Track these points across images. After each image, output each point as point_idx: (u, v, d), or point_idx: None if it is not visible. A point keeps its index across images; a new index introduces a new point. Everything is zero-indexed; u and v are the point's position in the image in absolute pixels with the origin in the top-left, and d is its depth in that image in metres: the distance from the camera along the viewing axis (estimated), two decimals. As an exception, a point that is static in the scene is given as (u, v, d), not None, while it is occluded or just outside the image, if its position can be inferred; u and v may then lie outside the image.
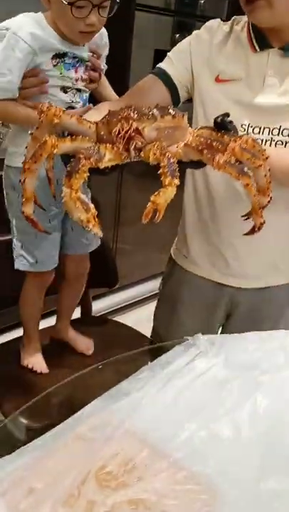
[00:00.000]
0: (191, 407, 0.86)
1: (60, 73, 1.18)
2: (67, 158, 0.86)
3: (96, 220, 0.79)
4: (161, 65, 1.20)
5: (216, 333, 1.38)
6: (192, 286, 1.33)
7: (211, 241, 1.26)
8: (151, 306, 1.53)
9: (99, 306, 2.28)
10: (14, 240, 1.35)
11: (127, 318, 2.40)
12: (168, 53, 1.21)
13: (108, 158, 0.83)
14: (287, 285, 1.27)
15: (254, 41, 1.12)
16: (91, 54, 1.25)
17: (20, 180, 0.89)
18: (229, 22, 1.18)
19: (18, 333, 1.52)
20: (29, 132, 0.90)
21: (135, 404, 0.85)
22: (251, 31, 1.13)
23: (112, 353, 1.43)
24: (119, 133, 0.84)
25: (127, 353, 1.06)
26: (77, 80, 1.22)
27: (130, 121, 0.84)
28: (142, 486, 0.71)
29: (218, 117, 0.88)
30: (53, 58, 1.18)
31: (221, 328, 1.40)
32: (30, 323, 1.45)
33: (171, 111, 0.87)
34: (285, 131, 1.12)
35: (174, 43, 1.35)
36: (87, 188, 1.40)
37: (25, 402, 1.20)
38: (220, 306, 1.32)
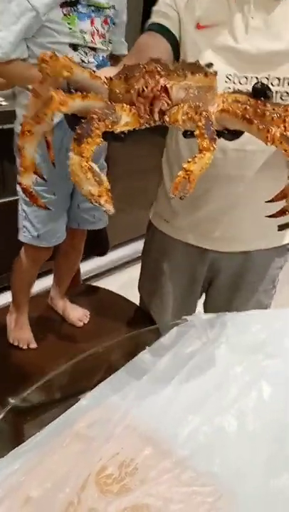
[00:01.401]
0: (194, 398, 0.81)
1: (70, 28, 1.05)
2: (72, 120, 0.73)
3: (109, 194, 0.66)
4: (154, 19, 1.10)
5: (198, 299, 1.36)
6: (174, 253, 1.29)
7: (195, 207, 1.20)
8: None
9: (86, 269, 2.21)
10: (19, 208, 1.27)
11: (117, 280, 2.35)
12: (154, 8, 1.11)
13: (125, 121, 0.69)
14: (267, 250, 1.23)
15: None
16: (111, 4, 1.12)
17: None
18: None
19: (6, 298, 1.46)
20: (30, 87, 0.79)
21: (135, 396, 0.80)
22: None
23: (102, 325, 1.42)
24: (142, 91, 0.70)
25: (123, 336, 1.01)
26: (93, 35, 1.09)
27: (157, 77, 0.70)
28: (145, 490, 0.67)
29: (257, 83, 0.76)
30: (62, 6, 1.05)
31: (204, 295, 1.37)
32: (20, 294, 1.39)
33: (200, 69, 0.75)
34: (274, 80, 1.02)
35: None
36: (104, 162, 1.29)
37: (14, 387, 1.17)
38: (202, 272, 1.29)
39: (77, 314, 1.45)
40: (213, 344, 0.93)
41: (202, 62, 0.80)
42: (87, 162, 0.64)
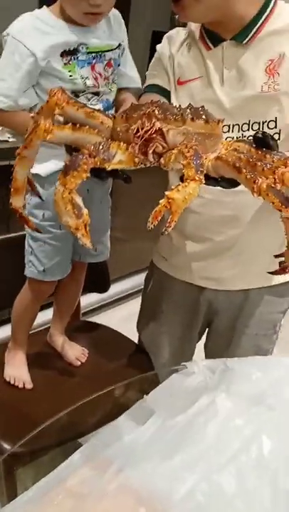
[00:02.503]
0: (192, 453, 0.78)
1: (70, 75, 1.07)
2: (72, 150, 0.75)
3: (87, 229, 0.67)
4: (148, 82, 1.16)
5: (197, 341, 1.35)
6: (172, 291, 1.29)
7: (192, 245, 1.20)
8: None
9: (86, 303, 2.19)
10: (26, 244, 1.27)
11: (118, 313, 2.33)
12: (146, 73, 1.18)
13: (119, 159, 0.70)
14: (267, 290, 1.21)
15: (206, 39, 1.08)
16: (116, 44, 1.12)
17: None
18: (187, 26, 1.14)
19: (6, 331, 1.44)
20: (31, 115, 0.79)
21: (130, 450, 0.77)
22: (203, 30, 1.08)
23: (100, 366, 1.39)
24: (137, 131, 0.71)
25: (121, 383, 0.98)
26: (96, 79, 1.10)
27: (153, 120, 0.71)
28: None
29: (257, 132, 0.77)
30: (62, 56, 1.06)
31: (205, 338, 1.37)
32: (20, 330, 1.37)
33: (204, 115, 0.75)
34: (254, 124, 1.05)
35: (172, 24, 1.30)
36: (108, 196, 1.29)
37: (5, 431, 1.14)
38: (200, 312, 1.28)
39: (76, 353, 1.42)
40: (213, 393, 0.90)
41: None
42: (69, 194, 0.65)
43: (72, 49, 1.07)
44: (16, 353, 1.36)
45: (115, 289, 2.42)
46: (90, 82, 1.10)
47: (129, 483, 0.72)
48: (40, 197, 0.90)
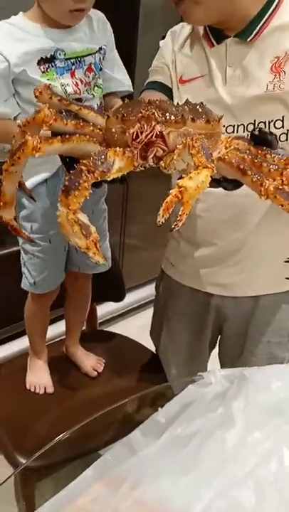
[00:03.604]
0: (209, 468, 0.75)
1: (50, 84, 1.05)
2: (69, 161, 0.72)
3: (98, 246, 0.65)
4: (149, 79, 1.14)
5: (209, 349, 1.32)
6: (180, 298, 1.27)
7: (199, 250, 1.18)
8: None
9: (103, 312, 2.17)
10: (21, 256, 1.27)
11: (135, 322, 2.31)
12: (149, 69, 1.16)
13: (118, 166, 0.66)
14: (277, 296, 1.17)
15: (210, 36, 1.04)
16: (96, 48, 1.10)
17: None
18: None
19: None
20: (17, 124, 0.77)
21: (145, 465, 0.74)
22: (207, 26, 1.05)
23: (117, 376, 1.38)
24: (137, 136, 0.67)
25: (134, 396, 0.95)
26: (76, 85, 1.08)
27: (153, 123, 0.67)
28: None
29: (254, 129, 0.74)
30: (40, 64, 1.04)
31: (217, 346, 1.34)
32: (34, 338, 1.39)
33: (204, 113, 0.72)
34: (260, 124, 1.01)
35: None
36: (104, 204, 1.28)
37: (23, 445, 1.13)
38: (209, 319, 1.25)
39: (92, 363, 1.41)
40: (231, 405, 0.87)
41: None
42: (74, 214, 0.62)
43: (49, 56, 1.05)
44: (36, 360, 1.37)
45: (132, 297, 2.39)
46: (70, 89, 1.07)
47: (144, 499, 0.70)
48: (32, 197, 0.90)
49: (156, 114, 0.67)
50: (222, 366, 1.30)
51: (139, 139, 0.67)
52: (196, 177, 0.60)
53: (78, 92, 1.09)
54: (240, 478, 0.74)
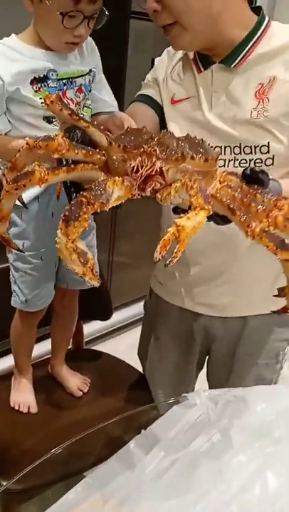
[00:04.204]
0: (192, 492, 0.74)
1: (42, 103, 1.06)
2: (71, 186, 0.78)
3: (94, 272, 0.69)
4: (141, 91, 1.17)
5: (196, 369, 1.33)
6: (168, 317, 1.27)
7: (187, 270, 1.18)
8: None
9: (90, 331, 2.16)
10: (10, 273, 1.26)
11: (123, 341, 2.30)
12: (142, 82, 1.18)
13: (117, 195, 0.70)
14: (266, 318, 1.17)
15: (198, 61, 1.07)
16: (86, 70, 1.13)
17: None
18: None
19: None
20: (25, 139, 0.79)
21: (126, 491, 0.73)
22: (195, 52, 1.07)
23: (102, 396, 1.37)
24: (137, 170, 0.71)
25: (118, 417, 0.94)
26: (68, 105, 1.09)
27: (153, 159, 0.70)
28: None
29: (246, 168, 0.76)
30: (32, 84, 1.06)
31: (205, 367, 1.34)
32: (20, 357, 1.38)
33: (203, 150, 0.74)
34: (246, 148, 1.03)
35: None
36: (92, 221, 1.28)
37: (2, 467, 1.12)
38: (197, 339, 1.26)
39: (77, 382, 1.40)
40: (215, 428, 0.86)
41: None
42: (73, 243, 0.65)
43: (42, 76, 1.06)
44: (21, 380, 1.36)
45: (121, 315, 2.38)
46: None
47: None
48: (24, 204, 0.91)
49: (157, 151, 0.70)
50: (210, 387, 1.30)
51: (139, 173, 0.70)
52: (194, 218, 0.64)
53: None
54: (224, 501, 0.73)
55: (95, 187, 0.68)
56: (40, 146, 0.75)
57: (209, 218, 0.69)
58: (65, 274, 1.28)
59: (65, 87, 1.09)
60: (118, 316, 2.35)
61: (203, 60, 1.05)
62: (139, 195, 0.72)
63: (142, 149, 0.71)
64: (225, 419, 0.88)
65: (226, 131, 1.03)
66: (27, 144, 0.77)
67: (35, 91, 1.06)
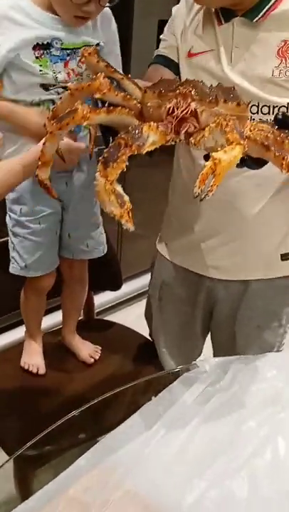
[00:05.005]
0: (201, 458, 0.74)
1: (41, 70, 1.03)
2: (106, 130, 0.80)
3: (130, 215, 0.69)
4: (159, 51, 1.12)
5: (202, 333, 1.31)
6: (172, 278, 1.26)
7: (190, 229, 1.17)
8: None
9: (101, 301, 2.15)
10: (9, 240, 1.25)
11: (134, 311, 2.29)
12: (161, 36, 1.13)
13: (152, 140, 0.71)
14: (268, 282, 1.16)
15: (220, 13, 1.02)
16: (94, 43, 1.08)
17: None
18: None
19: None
20: (68, 86, 0.82)
21: (136, 457, 0.73)
22: None
23: (113, 363, 1.37)
24: (172, 111, 0.72)
25: (132, 383, 0.94)
26: (68, 74, 1.05)
27: (189, 100, 0.72)
28: None
29: (278, 113, 0.77)
30: (35, 49, 1.02)
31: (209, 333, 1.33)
32: (31, 324, 1.38)
33: (235, 97, 0.76)
34: (264, 108, 1.00)
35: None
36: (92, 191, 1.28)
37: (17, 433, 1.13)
38: (200, 300, 1.24)
39: (89, 351, 1.40)
40: (225, 394, 0.86)
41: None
42: (111, 185, 0.66)
43: (45, 43, 1.02)
44: (30, 342, 1.38)
45: (131, 286, 2.37)
46: (61, 77, 1.05)
47: (135, 490, 0.69)
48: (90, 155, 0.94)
49: (193, 92, 0.72)
50: (215, 353, 1.29)
51: (174, 114, 0.72)
52: (230, 151, 0.65)
53: (68, 80, 1.07)
54: (233, 468, 0.73)
55: (132, 130, 0.70)
56: (83, 88, 0.79)
57: (242, 163, 0.70)
58: (69, 244, 1.27)
59: (68, 58, 1.05)
60: (128, 287, 2.34)
61: (225, 12, 1.00)
62: (173, 140, 0.73)
63: (178, 91, 0.73)
64: (234, 385, 0.88)
65: (245, 89, 0.99)
66: (69, 88, 0.80)
67: (36, 57, 1.03)
